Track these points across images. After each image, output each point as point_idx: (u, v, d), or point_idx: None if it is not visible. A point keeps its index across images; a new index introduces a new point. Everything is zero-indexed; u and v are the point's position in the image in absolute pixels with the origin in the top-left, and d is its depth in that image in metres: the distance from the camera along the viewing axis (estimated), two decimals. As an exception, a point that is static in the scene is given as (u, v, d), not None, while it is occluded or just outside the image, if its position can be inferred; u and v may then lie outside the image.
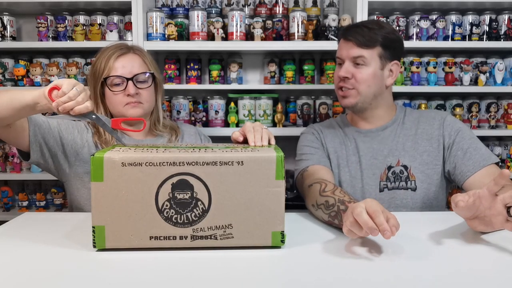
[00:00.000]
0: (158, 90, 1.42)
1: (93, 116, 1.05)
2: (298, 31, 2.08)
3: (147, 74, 1.35)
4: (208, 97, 2.19)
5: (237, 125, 2.13)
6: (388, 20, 2.13)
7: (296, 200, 1.83)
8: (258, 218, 0.89)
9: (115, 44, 1.38)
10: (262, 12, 2.19)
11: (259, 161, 0.88)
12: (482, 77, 2.11)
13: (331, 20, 2.04)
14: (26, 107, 1.06)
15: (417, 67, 2.10)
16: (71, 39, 2.13)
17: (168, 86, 2.09)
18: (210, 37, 2.10)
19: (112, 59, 1.32)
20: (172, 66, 2.15)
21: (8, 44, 2.11)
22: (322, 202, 1.09)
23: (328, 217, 1.06)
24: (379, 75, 1.32)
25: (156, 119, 1.43)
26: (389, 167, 1.34)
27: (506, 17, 2.09)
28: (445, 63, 2.10)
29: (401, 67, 1.39)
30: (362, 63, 1.30)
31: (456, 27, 2.09)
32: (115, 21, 2.14)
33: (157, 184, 0.87)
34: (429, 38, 2.10)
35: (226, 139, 1.70)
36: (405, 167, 1.33)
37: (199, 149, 0.93)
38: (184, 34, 2.11)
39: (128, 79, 1.31)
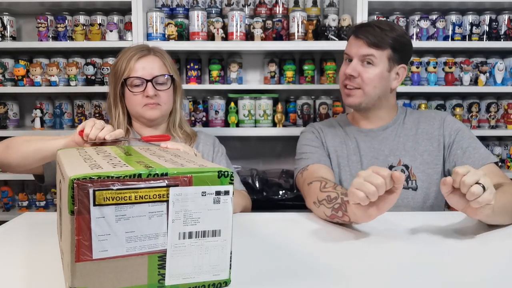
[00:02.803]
0: (177, 92, 1.43)
1: (125, 141, 1.08)
2: (298, 31, 2.08)
3: (166, 76, 1.36)
4: (208, 97, 2.19)
5: (237, 125, 2.13)
6: (388, 20, 2.13)
7: (296, 200, 1.83)
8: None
9: (136, 46, 1.41)
10: (262, 12, 2.19)
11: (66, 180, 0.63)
12: (482, 77, 2.11)
13: (331, 20, 2.04)
14: (47, 158, 1.13)
15: (417, 67, 2.10)
16: (71, 39, 2.13)
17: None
18: (210, 37, 2.10)
19: (133, 61, 1.34)
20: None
21: (8, 44, 2.10)
22: (323, 197, 1.09)
23: (331, 211, 1.06)
24: (385, 77, 1.32)
25: (173, 121, 1.44)
26: (391, 167, 1.34)
27: (506, 17, 2.09)
28: (445, 63, 2.10)
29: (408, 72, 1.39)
30: (370, 62, 1.29)
31: (456, 27, 2.09)
32: (115, 21, 2.14)
33: None
34: (429, 38, 2.10)
35: (226, 139, 1.70)
36: (406, 166, 1.33)
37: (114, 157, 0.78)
38: (184, 34, 2.11)
39: (147, 81, 1.33)
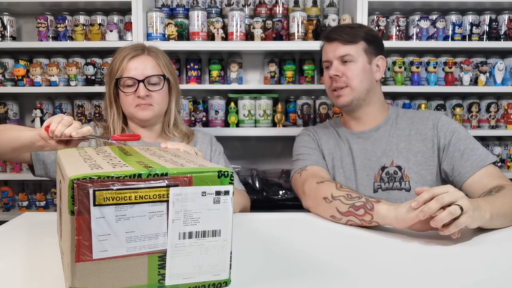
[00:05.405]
0: (172, 93, 1.41)
1: (93, 139, 1.06)
2: (298, 31, 2.08)
3: (159, 76, 1.35)
4: (208, 97, 2.19)
5: (237, 125, 2.13)
6: (388, 20, 2.13)
7: (296, 200, 1.83)
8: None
9: (131, 45, 1.39)
10: (262, 12, 2.19)
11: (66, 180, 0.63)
12: (482, 77, 2.11)
13: (331, 20, 2.04)
14: (24, 147, 1.12)
15: (417, 67, 2.10)
16: (71, 39, 2.13)
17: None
18: (210, 37, 2.10)
19: (126, 60, 1.33)
20: (173, 66, 2.15)
21: (8, 44, 2.10)
22: (341, 194, 1.11)
23: (348, 207, 1.07)
24: (368, 70, 1.35)
25: (168, 121, 1.42)
26: (383, 168, 1.34)
27: (506, 17, 2.09)
28: (445, 63, 2.10)
29: (386, 63, 1.45)
30: (349, 60, 1.33)
31: (456, 27, 2.09)
32: (115, 21, 2.14)
33: None
34: (429, 38, 2.10)
35: (226, 139, 1.70)
36: (399, 167, 1.33)
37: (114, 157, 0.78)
38: (184, 34, 2.11)
39: (139, 81, 1.31)
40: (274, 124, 2.14)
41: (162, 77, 1.35)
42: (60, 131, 1.01)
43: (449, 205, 0.90)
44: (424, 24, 2.08)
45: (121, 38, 2.12)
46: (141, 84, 1.31)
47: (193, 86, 2.14)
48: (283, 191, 2.08)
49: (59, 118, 1.03)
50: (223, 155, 1.49)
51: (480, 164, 1.24)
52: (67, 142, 1.05)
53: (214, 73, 2.15)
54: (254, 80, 2.33)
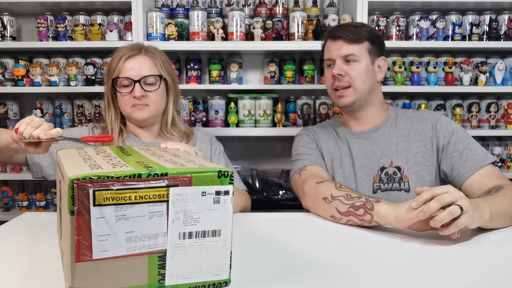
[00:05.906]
0: (170, 93, 1.40)
1: (62, 140, 1.05)
2: (298, 31, 2.08)
3: (155, 76, 1.34)
4: (208, 97, 2.19)
5: (237, 125, 2.13)
6: (388, 20, 2.13)
7: (296, 200, 1.84)
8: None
9: (129, 45, 1.39)
10: (262, 12, 2.19)
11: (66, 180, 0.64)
12: (482, 77, 2.11)
13: (331, 20, 2.04)
14: (4, 150, 1.13)
15: (417, 67, 2.10)
16: (71, 39, 2.13)
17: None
18: (210, 37, 2.10)
19: (122, 60, 1.32)
20: (172, 66, 2.15)
21: (8, 44, 2.10)
22: (341, 194, 1.11)
23: (348, 207, 1.07)
24: (370, 70, 1.35)
25: (165, 121, 1.42)
26: (382, 168, 1.34)
27: (506, 17, 2.09)
28: (445, 63, 2.10)
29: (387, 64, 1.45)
30: (353, 60, 1.32)
31: (456, 27, 2.09)
32: (115, 21, 2.14)
33: None
34: (429, 38, 2.10)
35: (226, 139, 1.69)
36: (399, 168, 1.33)
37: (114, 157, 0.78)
38: (184, 34, 2.11)
39: (135, 81, 1.31)
40: (274, 124, 2.14)
41: (158, 77, 1.34)
42: (28, 133, 1.00)
43: (449, 205, 0.90)
44: (424, 24, 2.08)
45: (121, 38, 2.12)
46: (137, 84, 1.31)
47: (193, 86, 2.14)
48: (283, 191, 2.08)
49: (29, 120, 1.03)
50: (224, 154, 1.49)
51: (479, 164, 1.24)
52: (37, 144, 1.05)
53: (214, 73, 2.15)
54: (254, 80, 2.33)
